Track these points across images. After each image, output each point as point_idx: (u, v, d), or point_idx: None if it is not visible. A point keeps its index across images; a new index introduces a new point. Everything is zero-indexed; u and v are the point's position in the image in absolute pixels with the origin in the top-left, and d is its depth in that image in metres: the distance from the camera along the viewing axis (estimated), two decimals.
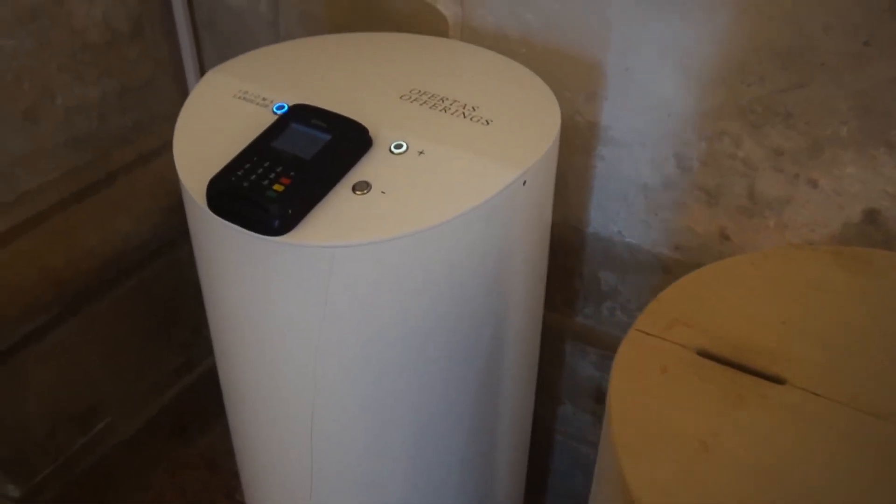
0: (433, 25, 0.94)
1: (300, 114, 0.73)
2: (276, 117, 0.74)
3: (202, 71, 1.15)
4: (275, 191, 0.66)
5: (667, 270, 0.97)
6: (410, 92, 0.78)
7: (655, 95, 0.86)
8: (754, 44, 0.78)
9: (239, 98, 0.78)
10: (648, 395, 0.48)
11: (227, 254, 0.71)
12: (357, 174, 0.69)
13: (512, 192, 0.69)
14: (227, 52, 1.12)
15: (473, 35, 0.93)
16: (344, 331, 0.70)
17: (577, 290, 1.05)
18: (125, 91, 1.08)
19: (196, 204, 0.69)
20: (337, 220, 0.66)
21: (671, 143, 0.88)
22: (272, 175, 0.67)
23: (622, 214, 0.96)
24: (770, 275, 0.57)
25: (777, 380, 0.50)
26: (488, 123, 0.74)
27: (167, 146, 1.15)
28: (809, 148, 0.81)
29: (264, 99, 0.77)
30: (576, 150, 0.93)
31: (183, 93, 1.15)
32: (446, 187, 0.68)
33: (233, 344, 0.77)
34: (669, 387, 0.49)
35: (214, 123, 0.76)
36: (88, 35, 1.01)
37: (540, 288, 0.86)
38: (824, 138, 0.80)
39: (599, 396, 1.12)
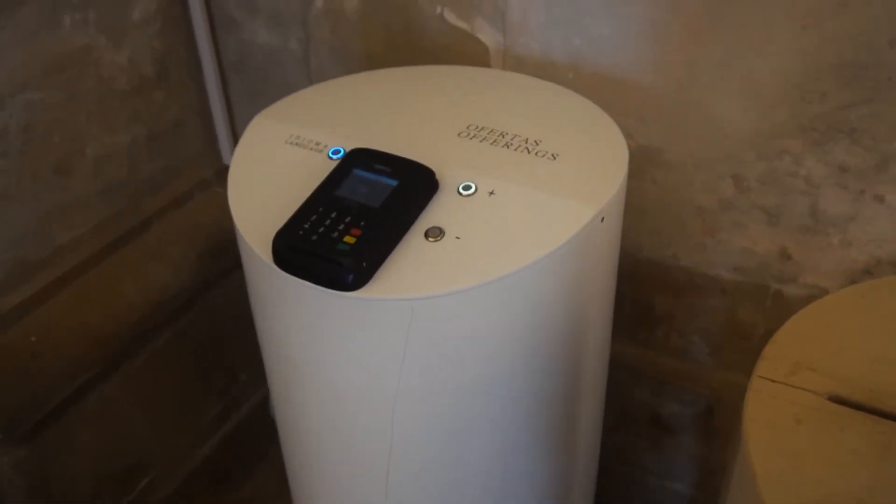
0: (474, 56, 0.92)
1: (361, 158, 0.70)
2: (334, 163, 0.71)
3: (230, 111, 1.12)
4: (346, 243, 0.63)
5: (724, 292, 0.95)
6: (468, 128, 0.76)
7: (711, 116, 0.84)
8: (816, 61, 0.77)
9: (291, 144, 0.75)
10: (790, 450, 0.46)
11: (296, 310, 0.68)
12: (427, 220, 0.67)
13: (591, 231, 0.66)
14: (257, 91, 1.10)
15: (517, 63, 0.90)
16: (423, 384, 0.67)
17: (630, 315, 1.02)
18: (154, 136, 1.05)
19: (259, 259, 0.66)
20: (413, 270, 0.63)
21: (728, 163, 0.86)
22: (341, 226, 0.65)
23: (677, 238, 0.94)
24: (884, 307, 0.55)
25: None
26: (555, 158, 0.72)
27: (197, 189, 1.12)
28: (876, 164, 0.79)
29: (318, 143, 0.75)
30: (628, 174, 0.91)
31: (211, 134, 1.12)
32: (523, 229, 0.65)
33: (300, 401, 0.75)
34: (810, 440, 0.46)
35: (269, 172, 0.74)
36: (115, 82, 0.98)
37: (610, 320, 0.83)
38: (891, 153, 0.78)
39: (655, 422, 1.10)
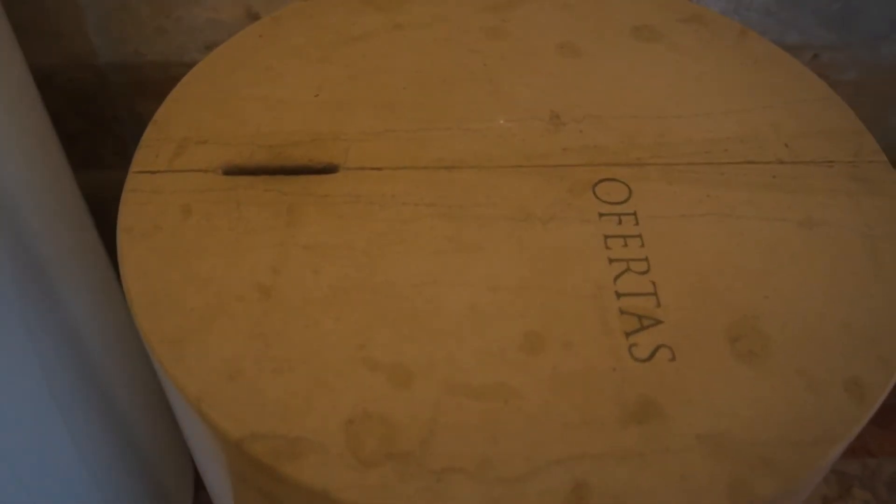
0: None
1: None
2: None
3: None
4: None
5: None
6: None
7: None
8: None
9: None
10: (173, 255, 0.35)
11: None
12: None
13: None
14: None
15: None
16: None
17: (124, 136, 0.87)
18: None
19: None
20: None
21: None
22: None
23: (132, 29, 0.78)
24: (287, 42, 0.45)
25: (329, 169, 0.39)
26: None
27: None
28: None
29: None
30: None
31: None
32: None
33: None
34: (200, 233, 0.36)
35: None
36: None
37: (63, 162, 0.67)
38: None
39: None
